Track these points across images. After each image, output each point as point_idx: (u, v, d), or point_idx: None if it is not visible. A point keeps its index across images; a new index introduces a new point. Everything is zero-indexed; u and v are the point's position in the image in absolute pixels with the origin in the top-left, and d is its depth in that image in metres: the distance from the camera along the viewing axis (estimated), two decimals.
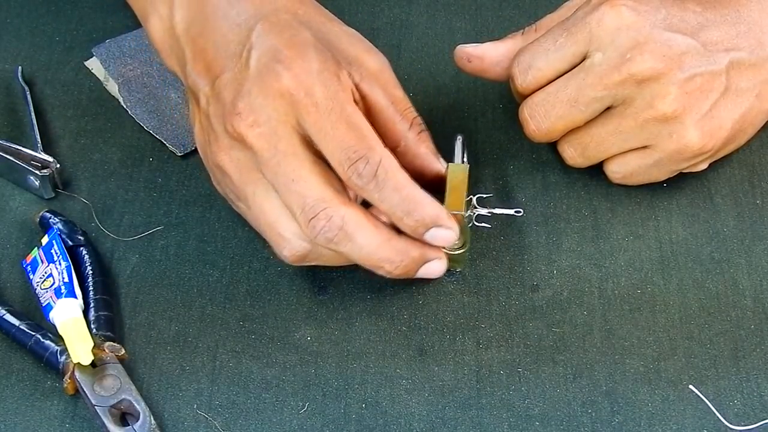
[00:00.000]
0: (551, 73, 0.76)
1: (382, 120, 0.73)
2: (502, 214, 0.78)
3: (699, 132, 0.75)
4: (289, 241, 0.71)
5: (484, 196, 0.79)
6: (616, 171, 0.78)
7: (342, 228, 0.69)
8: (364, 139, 0.69)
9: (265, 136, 0.70)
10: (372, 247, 0.70)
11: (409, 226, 0.71)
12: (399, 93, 0.74)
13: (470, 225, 0.77)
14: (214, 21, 0.74)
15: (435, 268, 0.73)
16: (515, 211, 0.78)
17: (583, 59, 0.75)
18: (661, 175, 0.78)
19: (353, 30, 0.76)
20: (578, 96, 0.75)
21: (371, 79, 0.73)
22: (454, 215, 0.72)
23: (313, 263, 0.73)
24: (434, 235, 0.71)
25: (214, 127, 0.72)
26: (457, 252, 0.75)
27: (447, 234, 0.71)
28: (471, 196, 0.78)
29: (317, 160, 0.70)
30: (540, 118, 0.76)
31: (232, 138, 0.71)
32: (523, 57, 0.77)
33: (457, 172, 0.76)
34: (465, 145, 0.78)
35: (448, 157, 0.77)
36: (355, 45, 0.74)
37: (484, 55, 0.79)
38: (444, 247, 0.73)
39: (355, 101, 0.72)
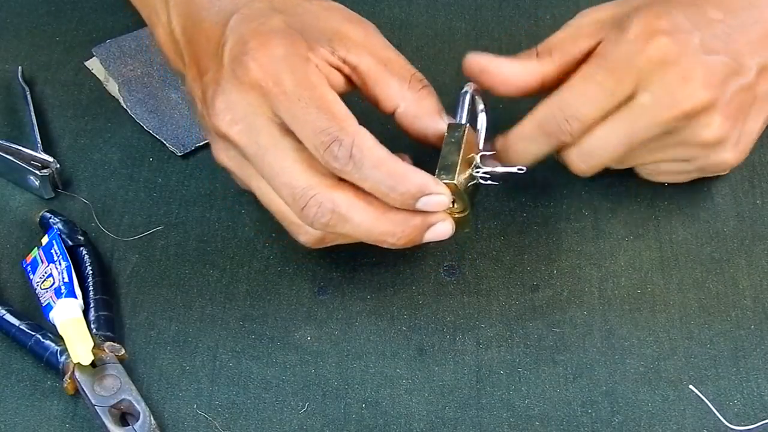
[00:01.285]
0: (598, 117, 0.73)
1: (377, 85, 0.72)
2: (505, 173, 0.74)
3: (736, 151, 0.75)
4: (303, 226, 0.71)
5: (488, 153, 0.75)
6: (645, 168, 0.78)
7: (334, 211, 0.69)
8: (335, 120, 0.68)
9: (244, 132, 0.70)
10: (369, 224, 0.70)
11: (397, 200, 0.69)
12: (390, 54, 0.73)
13: (473, 183, 0.73)
14: (200, 22, 0.74)
15: (441, 230, 0.71)
16: (518, 169, 0.74)
17: (628, 96, 0.73)
18: (688, 179, 0.79)
19: (334, 3, 0.75)
20: (631, 139, 0.73)
21: (358, 49, 0.72)
22: (446, 183, 0.70)
23: (333, 243, 0.72)
24: (425, 204, 0.69)
25: (208, 130, 0.73)
26: (458, 215, 0.72)
27: (437, 199, 0.69)
28: (474, 154, 0.74)
29: (300, 147, 0.69)
30: (592, 162, 0.74)
31: (220, 138, 0.71)
32: (567, 107, 0.72)
33: (453, 131, 0.73)
34: (475, 98, 0.75)
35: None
36: (334, 19, 0.73)
37: (499, 74, 0.75)
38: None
39: (346, 75, 0.71)
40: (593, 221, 0.79)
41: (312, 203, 0.69)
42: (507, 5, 0.92)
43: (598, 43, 0.73)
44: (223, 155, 0.73)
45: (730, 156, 0.75)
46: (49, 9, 0.92)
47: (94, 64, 0.88)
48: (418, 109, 0.73)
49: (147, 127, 0.84)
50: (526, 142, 0.74)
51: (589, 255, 0.78)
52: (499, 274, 0.77)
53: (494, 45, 0.89)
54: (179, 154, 0.83)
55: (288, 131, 0.70)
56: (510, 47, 0.88)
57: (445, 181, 0.70)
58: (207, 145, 0.83)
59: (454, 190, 0.71)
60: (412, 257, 0.78)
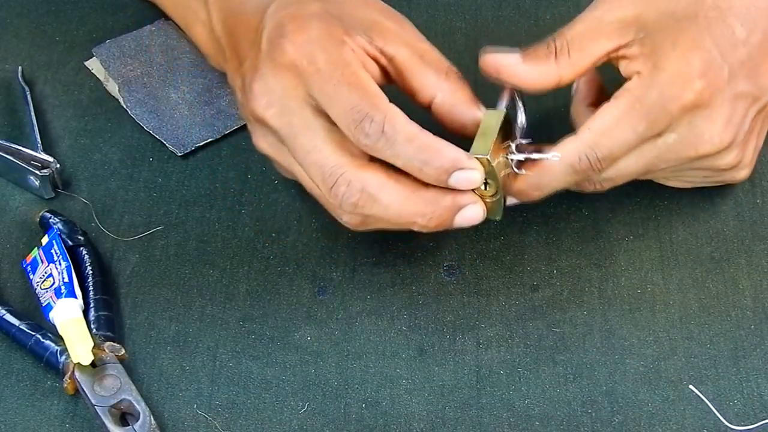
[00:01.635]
0: (626, 154, 0.72)
1: (413, 77, 0.73)
2: (539, 158, 0.73)
3: (748, 168, 0.76)
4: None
5: (524, 141, 0.73)
6: (655, 176, 0.78)
7: (363, 190, 0.69)
8: (367, 97, 0.69)
9: (279, 114, 0.71)
10: (399, 204, 0.69)
11: (431, 175, 0.69)
12: (425, 46, 0.73)
13: (507, 173, 0.73)
14: (241, 15, 0.75)
15: (471, 214, 0.71)
16: (552, 155, 0.72)
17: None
18: (697, 186, 0.79)
19: None
20: (649, 169, 0.73)
21: (394, 40, 0.72)
22: (479, 159, 0.69)
23: (375, 227, 0.72)
24: (458, 179, 0.69)
25: (248, 117, 0.74)
26: (490, 200, 0.72)
27: (471, 175, 0.69)
28: (510, 142, 0.73)
29: (333, 128, 0.70)
30: (608, 185, 0.74)
31: (259, 123, 0.72)
32: (600, 149, 0.71)
33: (490, 117, 0.72)
34: (515, 97, 0.74)
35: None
36: (371, 10, 0.74)
37: (516, 76, 0.73)
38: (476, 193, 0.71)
39: (382, 66, 0.72)
40: (593, 221, 0.79)
41: (341, 182, 0.69)
42: (507, 5, 0.92)
43: (619, 47, 0.72)
44: (262, 142, 0.73)
45: (743, 174, 0.77)
46: (49, 9, 0.92)
47: (94, 64, 0.88)
48: (455, 98, 0.73)
49: (147, 127, 0.84)
50: (556, 177, 0.72)
51: (589, 255, 0.78)
52: (499, 274, 0.77)
53: (494, 45, 0.88)
54: (179, 154, 0.83)
55: (321, 112, 0.70)
56: (510, 47, 0.88)
57: (479, 156, 0.70)
58: (207, 145, 0.83)
59: (487, 169, 0.70)
60: (412, 257, 0.78)
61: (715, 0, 0.73)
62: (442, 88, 0.73)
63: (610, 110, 0.71)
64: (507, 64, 0.73)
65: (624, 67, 0.73)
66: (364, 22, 0.72)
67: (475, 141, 0.71)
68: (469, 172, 0.69)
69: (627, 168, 0.73)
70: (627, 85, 0.72)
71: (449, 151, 0.69)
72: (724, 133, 0.72)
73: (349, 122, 0.69)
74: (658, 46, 0.72)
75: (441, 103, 0.73)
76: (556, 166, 0.72)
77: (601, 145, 0.71)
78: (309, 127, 0.70)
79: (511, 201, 0.74)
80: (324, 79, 0.69)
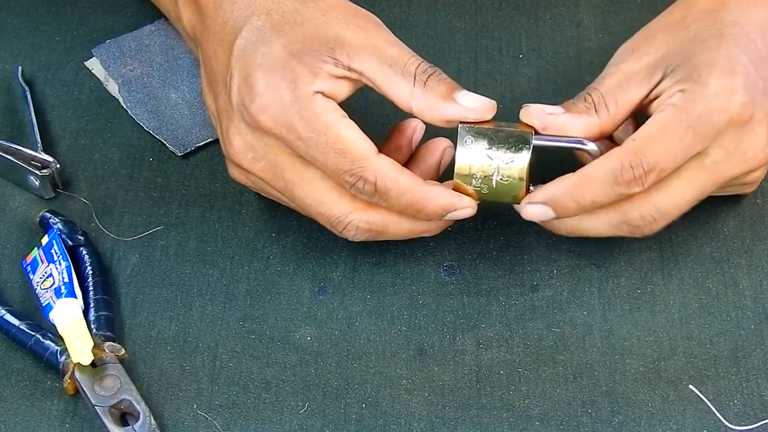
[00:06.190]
0: (672, 170, 0.71)
1: (386, 89, 0.72)
2: (567, 145, 0.73)
3: (761, 181, 0.77)
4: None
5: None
6: None
7: (371, 229, 0.72)
8: (356, 160, 0.70)
9: (268, 168, 0.72)
10: (405, 230, 0.73)
11: (425, 220, 0.73)
12: (393, 51, 0.72)
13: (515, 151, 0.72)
14: (206, 31, 0.75)
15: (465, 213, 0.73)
16: (585, 145, 0.73)
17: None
18: None
19: (332, 1, 0.73)
20: (701, 195, 0.73)
21: (360, 54, 0.71)
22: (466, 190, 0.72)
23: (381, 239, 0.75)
24: (453, 216, 0.72)
25: (223, 150, 0.75)
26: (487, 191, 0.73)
27: (465, 213, 0.72)
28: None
29: (326, 174, 0.71)
30: (663, 220, 0.73)
31: (241, 169, 0.73)
32: (645, 158, 0.70)
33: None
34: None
35: None
36: (333, 23, 0.72)
37: (563, 127, 0.73)
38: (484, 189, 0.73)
39: (353, 81, 0.72)
40: None
41: (350, 227, 0.72)
42: (507, 5, 0.92)
43: (649, 92, 0.72)
44: (243, 178, 0.75)
45: (754, 187, 0.77)
46: (49, 9, 0.92)
47: (94, 64, 0.88)
48: (430, 102, 0.72)
49: (147, 127, 0.84)
50: (595, 186, 0.71)
51: (589, 255, 0.78)
52: (499, 274, 0.77)
53: (494, 45, 0.89)
54: (179, 154, 0.83)
55: (311, 162, 0.71)
56: (510, 47, 0.88)
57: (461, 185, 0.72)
58: (207, 145, 0.83)
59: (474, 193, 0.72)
60: (412, 257, 0.78)
61: (732, 17, 0.73)
62: (415, 95, 0.72)
63: (655, 121, 0.71)
64: (551, 114, 0.73)
65: (658, 103, 0.72)
66: (328, 40, 0.71)
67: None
68: (464, 210, 0.72)
69: (680, 195, 0.72)
70: (670, 100, 0.71)
71: (440, 197, 0.71)
72: (764, 147, 0.72)
73: (342, 182, 0.70)
74: (693, 67, 0.71)
75: (419, 111, 0.72)
76: (596, 173, 0.71)
77: (646, 152, 0.70)
78: (304, 180, 0.72)
79: (546, 214, 0.72)
80: (308, 146, 0.70)
